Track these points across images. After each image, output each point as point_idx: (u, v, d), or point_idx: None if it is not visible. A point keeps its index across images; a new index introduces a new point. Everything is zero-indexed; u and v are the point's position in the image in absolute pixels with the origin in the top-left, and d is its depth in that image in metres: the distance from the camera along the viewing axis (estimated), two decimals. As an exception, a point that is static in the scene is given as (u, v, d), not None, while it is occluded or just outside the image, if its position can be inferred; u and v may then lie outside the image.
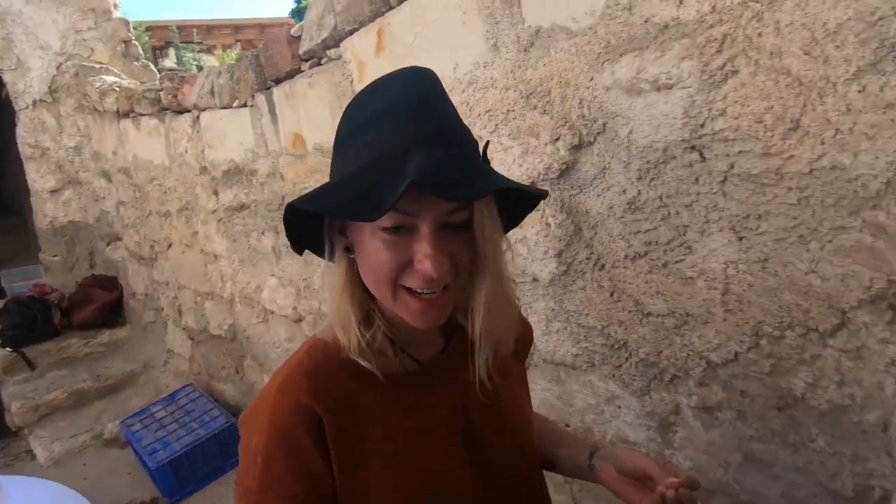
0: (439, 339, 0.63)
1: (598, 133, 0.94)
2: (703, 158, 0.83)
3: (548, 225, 1.06)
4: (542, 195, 0.55)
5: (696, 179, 0.84)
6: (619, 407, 1.04)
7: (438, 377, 0.60)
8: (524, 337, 0.72)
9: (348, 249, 0.54)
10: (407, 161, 0.45)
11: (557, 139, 0.99)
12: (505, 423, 0.63)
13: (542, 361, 1.18)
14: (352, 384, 0.56)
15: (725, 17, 0.76)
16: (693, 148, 0.84)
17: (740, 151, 0.79)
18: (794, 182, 0.74)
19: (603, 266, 1.01)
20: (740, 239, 0.82)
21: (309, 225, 0.54)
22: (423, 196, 0.45)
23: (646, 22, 0.84)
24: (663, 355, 0.95)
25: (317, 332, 0.61)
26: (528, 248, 1.11)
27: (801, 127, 0.72)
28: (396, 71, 0.52)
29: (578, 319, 1.07)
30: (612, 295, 1.01)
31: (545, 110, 1.00)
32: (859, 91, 0.67)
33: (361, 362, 0.55)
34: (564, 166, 1.00)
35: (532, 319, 1.15)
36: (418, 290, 0.50)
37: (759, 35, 0.73)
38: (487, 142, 0.53)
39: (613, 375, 1.04)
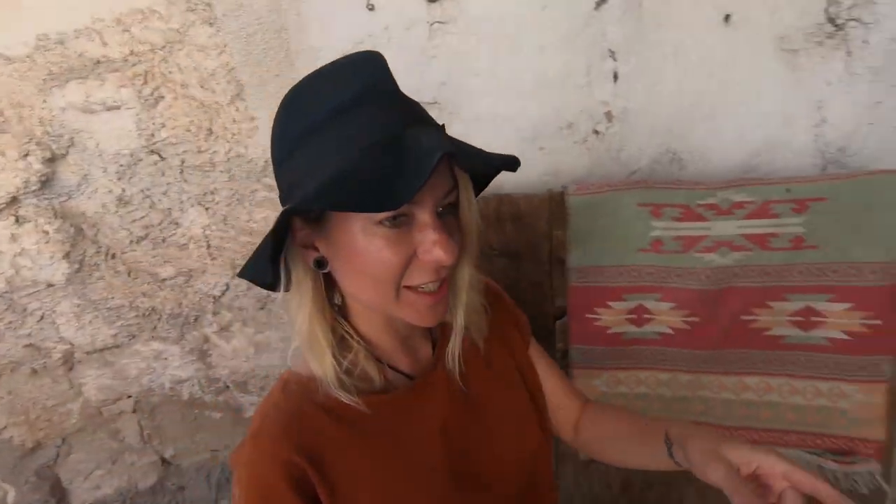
0: (424, 343, 0.60)
1: (69, 146, 1.12)
2: (163, 158, 1.16)
3: (45, 233, 1.16)
4: (517, 163, 0.49)
5: (163, 173, 1.17)
6: (166, 358, 1.31)
7: (428, 389, 0.56)
8: (519, 322, 0.68)
9: (319, 264, 0.49)
10: (418, 141, 0.42)
11: (27, 154, 1.10)
12: (493, 428, 0.59)
13: (85, 355, 1.29)
14: (333, 423, 0.50)
15: (143, 58, 1.08)
16: (152, 151, 1.15)
17: (185, 150, 1.15)
18: (223, 166, 1.18)
19: (114, 255, 1.22)
20: (206, 209, 1.21)
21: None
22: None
23: (80, 56, 1.06)
24: (184, 305, 1.27)
25: (291, 364, 0.55)
26: (32, 258, 1.18)
27: (214, 132, 1.14)
28: (346, 57, 0.47)
29: (107, 304, 1.25)
30: (129, 275, 1.24)
31: (4, 129, 1.08)
32: (237, 110, 1.13)
33: (342, 397, 0.50)
34: (44, 178, 1.12)
35: (61, 321, 1.24)
36: (422, 286, 0.47)
37: (171, 73, 1.10)
38: (443, 124, 0.49)
39: (153, 337, 1.29)
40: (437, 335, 0.60)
